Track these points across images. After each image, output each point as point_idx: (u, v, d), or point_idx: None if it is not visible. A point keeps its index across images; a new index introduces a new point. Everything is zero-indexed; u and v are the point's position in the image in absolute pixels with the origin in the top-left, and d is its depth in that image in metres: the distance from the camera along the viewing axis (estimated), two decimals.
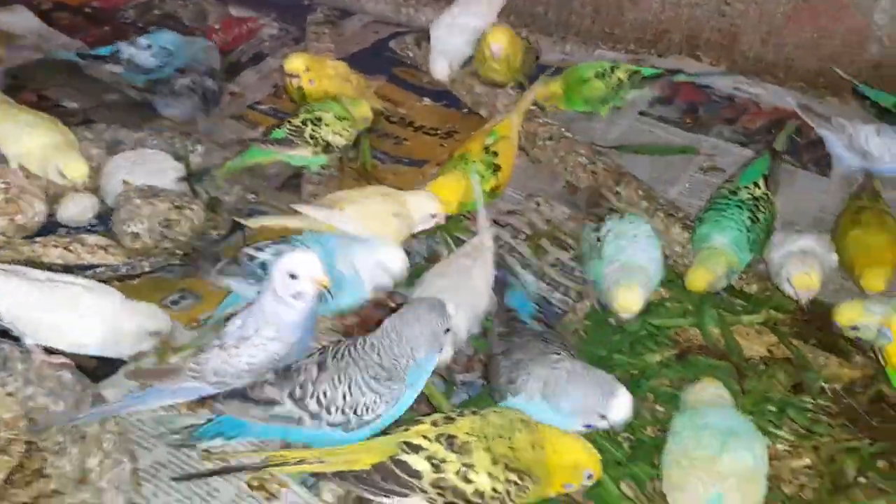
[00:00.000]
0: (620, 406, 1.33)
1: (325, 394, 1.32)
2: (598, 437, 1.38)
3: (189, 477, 1.35)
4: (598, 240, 1.73)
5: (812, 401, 1.53)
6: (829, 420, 1.51)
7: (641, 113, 2.45)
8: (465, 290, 1.60)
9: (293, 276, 1.39)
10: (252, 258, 1.60)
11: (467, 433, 1.24)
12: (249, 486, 1.34)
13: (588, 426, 1.34)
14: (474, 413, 1.28)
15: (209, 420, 1.39)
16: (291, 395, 1.33)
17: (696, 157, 2.28)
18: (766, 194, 1.86)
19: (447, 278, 1.63)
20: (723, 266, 1.69)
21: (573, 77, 2.31)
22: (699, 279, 1.68)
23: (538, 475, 1.27)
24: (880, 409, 1.53)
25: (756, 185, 1.87)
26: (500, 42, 2.26)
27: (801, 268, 1.65)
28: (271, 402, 1.33)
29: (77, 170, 1.83)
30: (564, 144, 2.18)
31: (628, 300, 1.58)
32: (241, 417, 1.35)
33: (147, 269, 1.75)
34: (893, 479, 1.40)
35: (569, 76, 2.32)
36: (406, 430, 1.26)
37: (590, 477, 1.28)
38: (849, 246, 1.85)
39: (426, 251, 1.91)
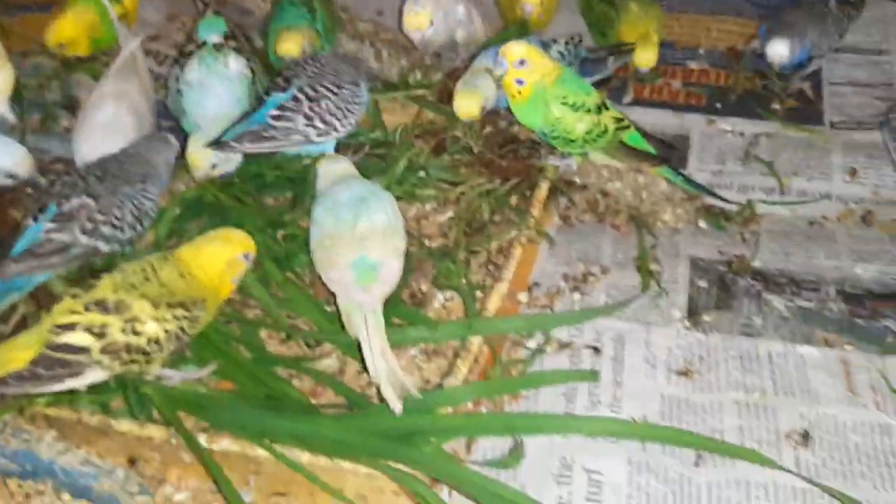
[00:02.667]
0: None
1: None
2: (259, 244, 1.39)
3: None
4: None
5: (451, 157, 1.58)
6: (468, 170, 1.57)
7: None
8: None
9: None
10: None
11: (114, 291, 1.22)
12: None
13: None
14: (108, 272, 1.26)
15: None
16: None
17: None
18: None
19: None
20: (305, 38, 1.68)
21: None
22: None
23: (201, 296, 1.27)
24: (513, 149, 1.60)
25: None
26: None
27: (413, 7, 1.69)
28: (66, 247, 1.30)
29: None
30: None
31: None
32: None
33: None
34: (523, 212, 1.48)
35: None
36: (48, 312, 1.22)
37: (247, 257, 1.29)
38: None
39: None
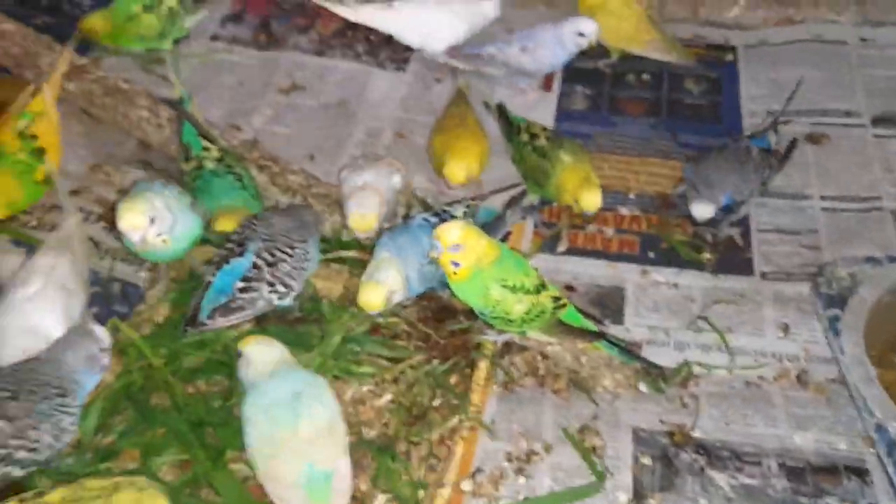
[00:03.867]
0: None
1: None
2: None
3: None
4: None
5: (389, 329, 1.55)
6: (406, 344, 1.54)
7: (213, 37, 2.29)
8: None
9: None
10: None
11: (61, 500, 1.15)
12: None
13: None
14: (69, 482, 1.19)
15: None
16: None
17: (273, 78, 2.19)
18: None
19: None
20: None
21: (118, 14, 2.07)
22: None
23: None
24: (450, 323, 1.58)
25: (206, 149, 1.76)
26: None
27: (356, 209, 1.65)
28: None
29: None
30: (123, 98, 1.98)
31: None
32: None
33: None
34: (464, 395, 1.45)
35: (114, 14, 2.08)
36: None
37: None
38: (434, 152, 1.89)
39: None
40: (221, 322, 1.46)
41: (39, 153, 1.75)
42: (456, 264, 1.41)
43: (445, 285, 1.51)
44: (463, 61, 2.15)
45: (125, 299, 1.66)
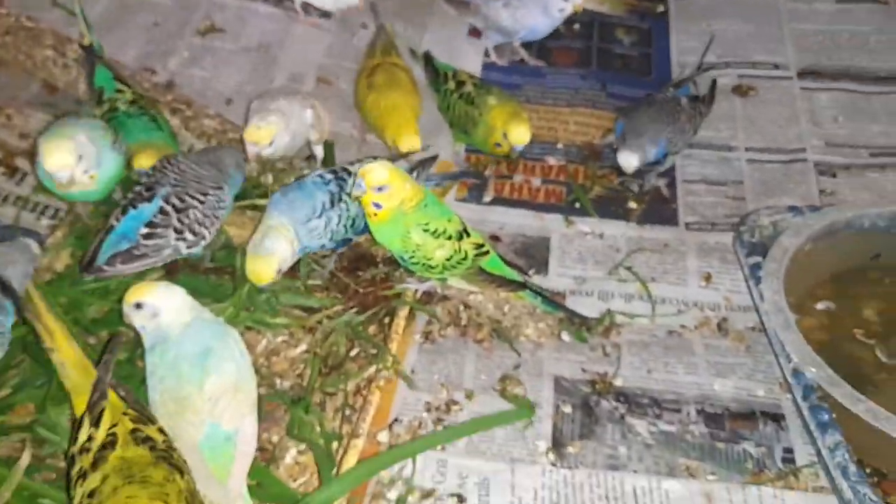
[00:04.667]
0: None
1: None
2: None
3: None
4: None
5: (303, 282, 1.50)
6: (324, 295, 1.49)
7: None
8: None
9: None
10: None
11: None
12: None
13: None
14: None
15: None
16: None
17: (191, 18, 2.08)
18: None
19: None
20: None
21: None
22: None
23: None
24: (369, 275, 1.54)
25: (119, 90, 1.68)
26: None
27: (255, 121, 1.59)
28: None
29: None
30: (27, 36, 1.87)
31: None
32: None
33: None
34: (382, 346, 1.42)
35: None
36: None
37: None
38: (370, 112, 1.81)
39: None
40: (122, 269, 1.39)
41: None
42: (378, 206, 1.36)
43: (341, 244, 1.46)
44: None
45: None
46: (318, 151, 1.77)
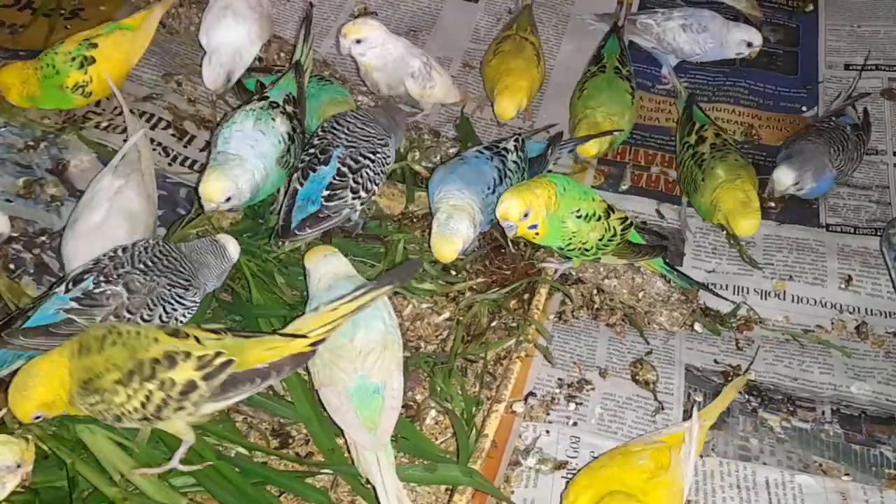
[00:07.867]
0: None
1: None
2: None
3: None
4: None
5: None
6: (465, 266, 1.54)
7: None
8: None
9: None
10: None
11: None
12: None
13: None
14: None
15: None
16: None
17: (344, 2, 2.18)
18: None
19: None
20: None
21: None
22: None
23: None
24: (505, 255, 1.57)
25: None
26: None
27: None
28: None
29: None
30: (199, 9, 1.98)
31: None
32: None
33: None
34: (522, 320, 1.46)
35: None
36: None
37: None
38: (489, 76, 1.86)
39: None
40: (310, 233, 1.45)
41: (85, 61, 1.72)
42: (533, 227, 1.42)
43: (492, 221, 1.50)
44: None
45: (189, 203, 1.68)
46: (426, 107, 1.85)
